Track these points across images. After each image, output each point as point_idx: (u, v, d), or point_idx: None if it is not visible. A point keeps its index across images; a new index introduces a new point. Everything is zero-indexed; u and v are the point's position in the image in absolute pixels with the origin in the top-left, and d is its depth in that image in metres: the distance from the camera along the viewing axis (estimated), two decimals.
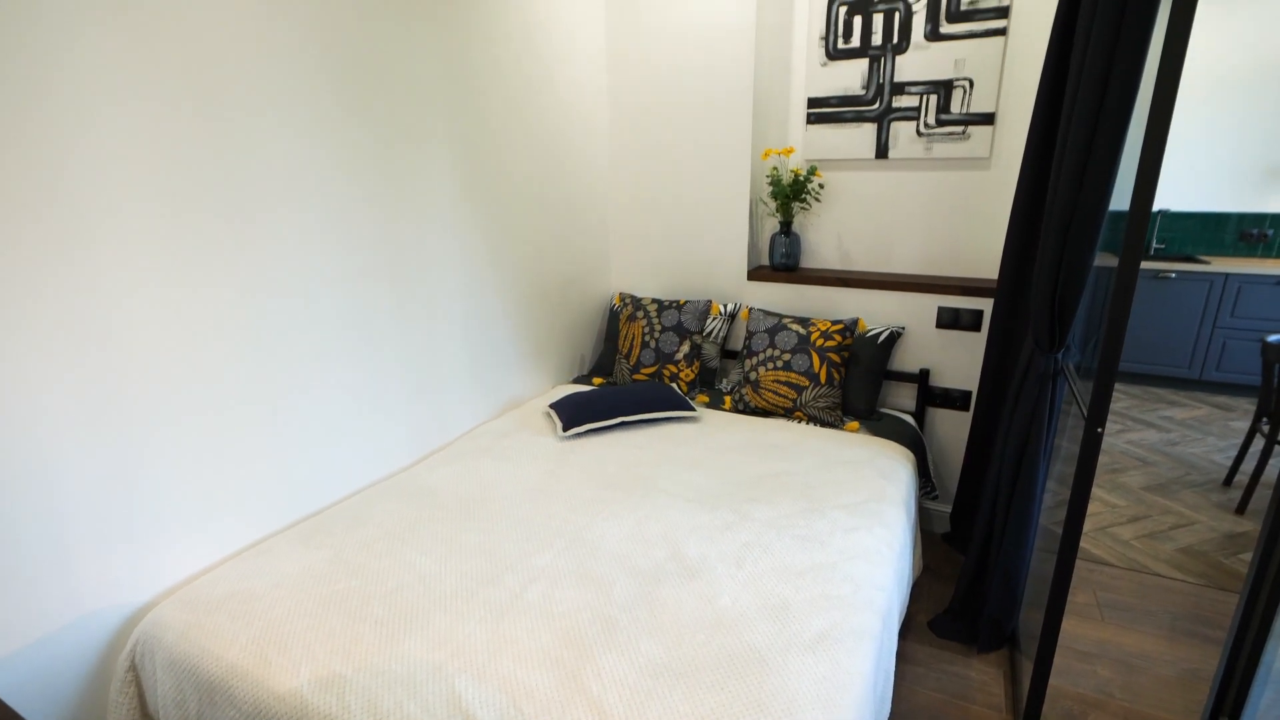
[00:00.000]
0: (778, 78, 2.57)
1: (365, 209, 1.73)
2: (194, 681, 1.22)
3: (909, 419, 2.39)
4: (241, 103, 1.40)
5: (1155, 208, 3.68)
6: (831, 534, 1.56)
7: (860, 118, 2.50)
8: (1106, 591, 2.21)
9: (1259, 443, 2.83)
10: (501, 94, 2.16)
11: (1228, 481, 2.94)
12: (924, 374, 2.43)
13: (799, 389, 2.28)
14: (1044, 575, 1.59)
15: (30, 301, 1.12)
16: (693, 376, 2.56)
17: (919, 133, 2.42)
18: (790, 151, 2.55)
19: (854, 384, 2.34)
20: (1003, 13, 2.21)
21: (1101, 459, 1.53)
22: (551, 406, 2.24)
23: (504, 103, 2.18)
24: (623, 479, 1.84)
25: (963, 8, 2.25)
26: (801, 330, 2.34)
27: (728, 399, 2.45)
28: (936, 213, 2.48)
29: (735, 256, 2.68)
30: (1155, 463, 3.17)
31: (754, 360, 2.39)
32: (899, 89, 2.42)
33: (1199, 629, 2.03)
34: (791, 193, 2.52)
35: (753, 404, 2.37)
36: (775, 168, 2.58)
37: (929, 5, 2.29)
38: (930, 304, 2.38)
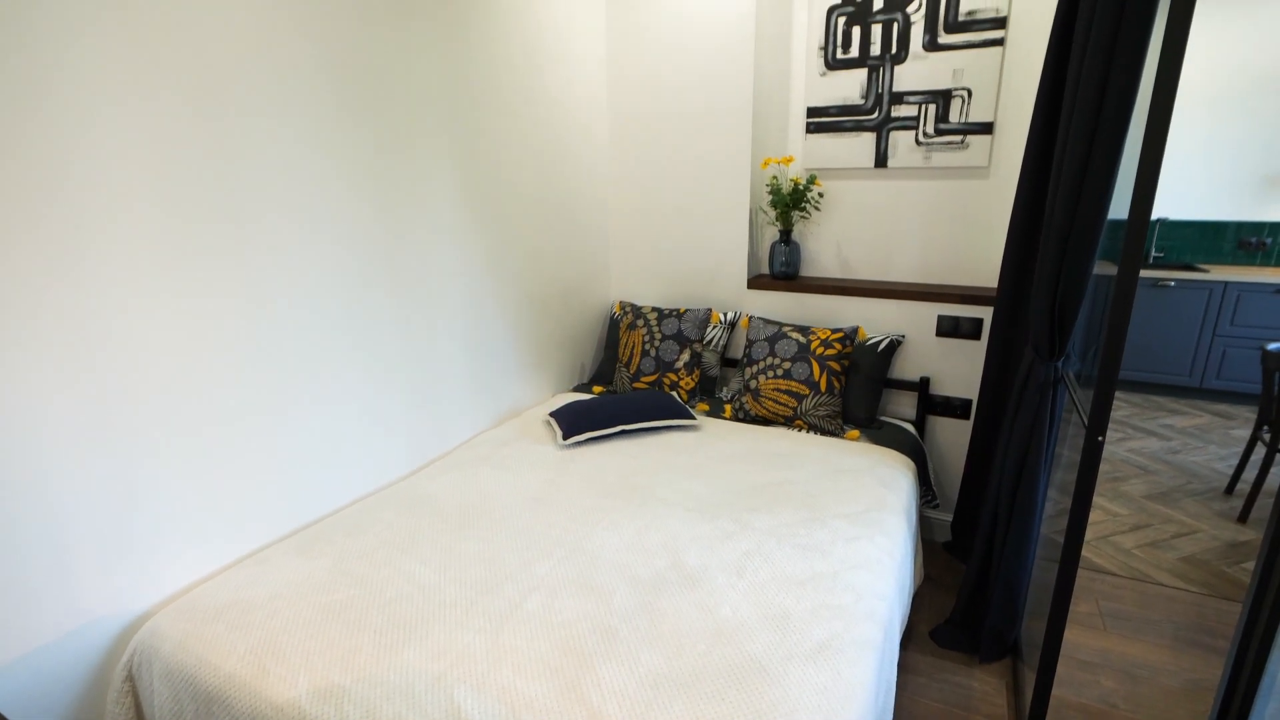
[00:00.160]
0: (777, 87, 2.59)
1: (366, 217, 1.73)
2: (191, 692, 1.21)
3: (909, 427, 2.39)
4: (242, 105, 1.40)
5: (1154, 216, 3.69)
6: (832, 543, 1.56)
7: (859, 127, 2.51)
8: (1109, 601, 2.20)
9: (1260, 451, 2.82)
10: (501, 102, 2.17)
11: (1229, 490, 2.93)
12: (924, 382, 2.43)
13: (799, 397, 2.28)
14: (1046, 584, 1.58)
15: (30, 308, 1.12)
16: (693, 385, 2.56)
17: (918, 142, 2.43)
18: (790, 160, 2.56)
19: (854, 392, 2.34)
20: (1000, 23, 2.22)
21: (1102, 467, 1.53)
22: (551, 415, 2.24)
23: (504, 111, 2.19)
24: (622, 488, 1.83)
25: (960, 18, 2.27)
26: (801, 339, 2.34)
27: (728, 407, 2.45)
28: (936, 221, 2.49)
29: (735, 265, 2.69)
30: (1156, 471, 3.16)
31: (754, 368, 2.39)
32: (898, 99, 2.43)
33: (1202, 638, 2.02)
34: (791, 201, 2.53)
35: (753, 412, 2.37)
36: (775, 176, 2.59)
37: (927, 16, 2.31)
38: (930, 312, 2.38)
